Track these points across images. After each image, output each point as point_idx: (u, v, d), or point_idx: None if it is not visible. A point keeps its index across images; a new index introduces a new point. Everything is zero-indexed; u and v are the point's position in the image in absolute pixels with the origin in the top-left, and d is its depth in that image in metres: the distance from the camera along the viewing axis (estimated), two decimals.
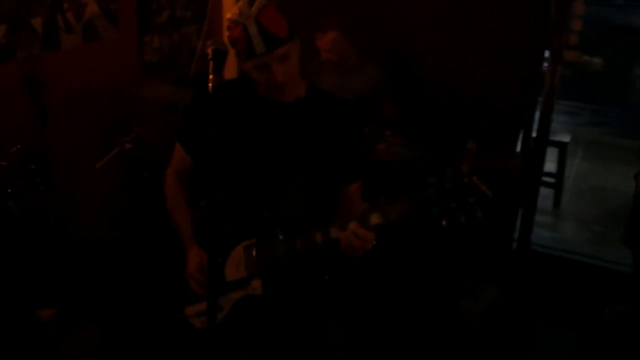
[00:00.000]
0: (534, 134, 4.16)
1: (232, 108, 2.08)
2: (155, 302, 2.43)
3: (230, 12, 1.93)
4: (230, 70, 3.51)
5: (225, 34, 2.00)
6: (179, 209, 2.25)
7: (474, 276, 3.81)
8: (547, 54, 4.01)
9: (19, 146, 1.96)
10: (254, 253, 2.06)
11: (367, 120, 3.84)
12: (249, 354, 2.21)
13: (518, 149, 4.15)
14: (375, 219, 1.80)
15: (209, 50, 1.74)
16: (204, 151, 1.75)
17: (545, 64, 4.03)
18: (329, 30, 3.68)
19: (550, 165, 5.56)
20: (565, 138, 5.65)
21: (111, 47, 3.80)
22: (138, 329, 3.18)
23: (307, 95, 2.12)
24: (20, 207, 1.96)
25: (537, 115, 4.17)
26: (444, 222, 1.70)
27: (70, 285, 3.38)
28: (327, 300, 2.32)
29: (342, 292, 2.65)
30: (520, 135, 4.16)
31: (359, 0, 4.17)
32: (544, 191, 5.51)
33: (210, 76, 1.72)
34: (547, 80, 3.98)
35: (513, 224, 4.30)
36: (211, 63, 1.74)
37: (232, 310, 2.10)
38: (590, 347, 3.52)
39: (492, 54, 3.96)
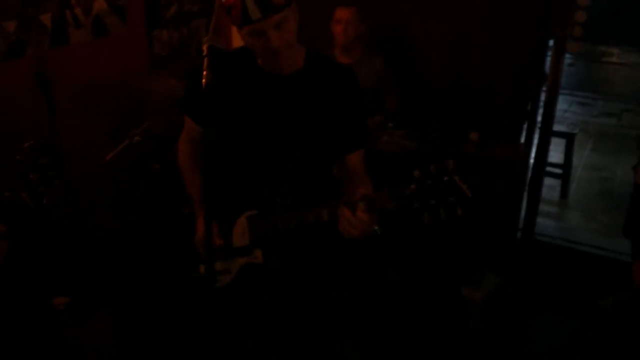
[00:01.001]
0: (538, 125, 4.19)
1: (233, 79, 2.10)
2: (171, 266, 2.51)
3: None
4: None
5: (233, 27, 2.02)
6: (192, 177, 2.31)
7: (478, 264, 3.86)
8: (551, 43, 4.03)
9: (32, 141, 2.02)
10: (255, 223, 2.14)
11: (374, 111, 3.90)
12: (252, 316, 2.31)
13: (522, 140, 4.17)
14: (361, 208, 1.82)
15: (204, 47, 1.79)
16: (208, 121, 1.81)
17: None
18: (352, 7, 3.80)
19: (559, 156, 5.60)
20: (574, 129, 5.66)
21: (120, 42, 3.88)
22: (152, 303, 3.27)
23: (306, 64, 2.11)
24: (34, 199, 2.02)
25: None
26: (425, 218, 1.70)
27: (82, 274, 3.47)
28: (331, 278, 2.39)
29: (345, 272, 2.72)
30: (525, 126, 4.18)
31: None
32: (552, 181, 5.54)
33: (204, 72, 1.76)
34: (550, 71, 4.00)
35: (518, 214, 4.33)
36: (206, 59, 1.77)
37: (238, 275, 2.21)
38: (589, 335, 3.56)
39: (495, 44, 3.97)
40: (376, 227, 1.86)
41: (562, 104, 8.06)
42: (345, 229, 1.87)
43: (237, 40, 2.11)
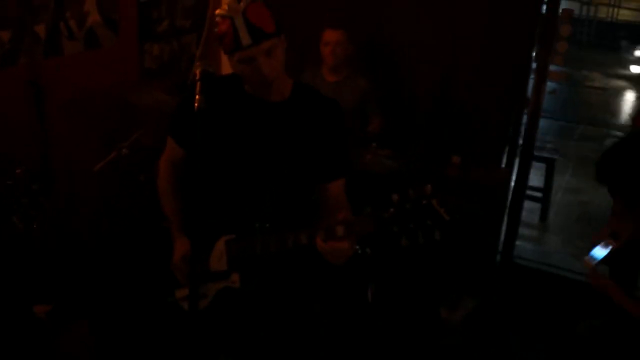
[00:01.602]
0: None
1: (220, 105, 2.14)
2: (147, 288, 2.53)
3: (219, 8, 2.01)
4: None
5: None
6: (169, 199, 2.35)
7: (457, 286, 3.91)
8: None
9: (24, 168, 2.07)
10: (233, 248, 2.18)
11: (356, 131, 3.96)
12: (229, 340, 2.35)
13: (503, 163, 4.25)
14: (340, 231, 1.88)
15: (197, 72, 1.84)
16: (192, 145, 1.87)
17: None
18: (341, 29, 3.87)
19: (539, 179, 5.68)
20: (554, 154, 5.76)
21: (111, 54, 3.91)
22: (129, 319, 3.29)
23: (292, 94, 2.18)
24: (24, 223, 2.06)
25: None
26: (403, 241, 1.76)
27: (65, 283, 3.49)
28: (308, 298, 2.44)
29: (324, 294, 2.76)
30: (506, 150, 4.26)
31: (346, 10, 4.28)
32: (532, 205, 5.62)
33: (197, 97, 1.81)
34: (532, 97, 4.09)
35: (497, 237, 4.40)
36: (198, 84, 1.83)
37: (214, 299, 2.23)
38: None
39: (479, 70, 4.06)
40: (357, 247, 1.92)
41: (543, 128, 8.17)
42: (325, 257, 1.93)
43: (226, 63, 2.17)
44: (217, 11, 2.00)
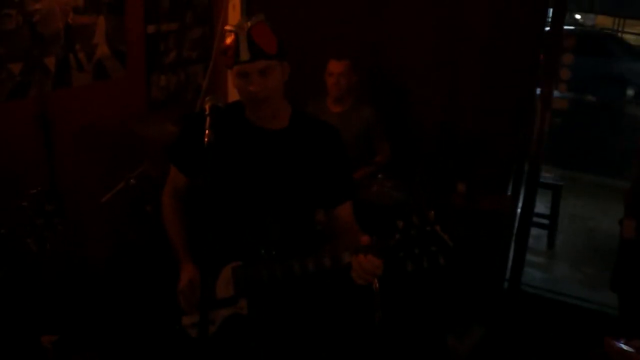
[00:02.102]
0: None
1: (224, 135, 2.15)
2: (154, 315, 2.54)
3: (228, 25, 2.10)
4: None
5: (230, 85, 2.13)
6: (174, 226, 2.36)
7: (465, 314, 3.89)
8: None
9: (39, 188, 2.09)
10: (240, 274, 2.19)
11: (363, 162, 3.98)
12: None
13: (509, 191, 4.25)
14: (347, 258, 1.92)
15: (207, 106, 1.87)
16: (199, 175, 1.89)
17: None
18: (345, 59, 3.89)
19: (545, 206, 5.68)
20: (560, 180, 5.76)
21: (119, 85, 3.96)
22: (137, 347, 3.28)
23: (291, 121, 2.23)
24: (38, 245, 2.08)
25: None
26: (409, 266, 1.81)
27: (73, 313, 3.49)
28: (316, 323, 2.44)
29: (331, 320, 2.75)
30: (512, 178, 4.26)
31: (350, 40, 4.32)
32: (539, 232, 5.61)
33: (207, 131, 1.84)
34: (536, 125, 4.11)
35: (505, 264, 4.39)
36: (208, 119, 1.86)
37: (222, 325, 2.23)
38: None
39: (483, 97, 4.09)
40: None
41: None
42: (359, 275, 1.94)
43: (233, 96, 2.21)
44: (226, 27, 2.09)
